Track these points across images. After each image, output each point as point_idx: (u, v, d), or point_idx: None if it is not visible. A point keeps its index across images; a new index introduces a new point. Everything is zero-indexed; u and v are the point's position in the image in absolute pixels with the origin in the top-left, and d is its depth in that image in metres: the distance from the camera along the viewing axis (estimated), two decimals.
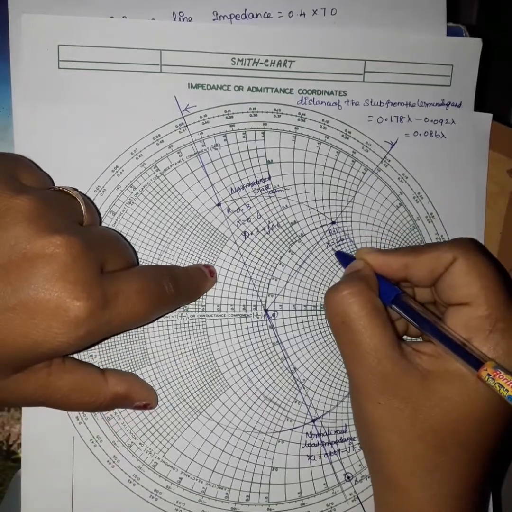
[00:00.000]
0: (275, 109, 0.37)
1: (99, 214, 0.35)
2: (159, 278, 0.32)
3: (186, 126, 0.36)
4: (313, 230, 0.37)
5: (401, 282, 0.34)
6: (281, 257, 0.37)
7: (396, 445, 0.30)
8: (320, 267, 0.37)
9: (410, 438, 0.30)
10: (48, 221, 0.27)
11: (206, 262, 0.36)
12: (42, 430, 0.34)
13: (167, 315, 0.35)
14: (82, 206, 0.30)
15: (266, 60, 0.36)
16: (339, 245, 0.38)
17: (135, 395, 0.33)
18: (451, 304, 0.31)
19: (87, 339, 0.28)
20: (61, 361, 0.31)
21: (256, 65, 0.36)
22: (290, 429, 0.36)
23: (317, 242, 0.37)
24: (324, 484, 0.36)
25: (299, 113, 0.37)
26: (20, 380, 0.29)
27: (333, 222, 0.38)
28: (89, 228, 0.30)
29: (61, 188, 0.31)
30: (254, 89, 0.37)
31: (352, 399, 0.32)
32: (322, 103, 0.37)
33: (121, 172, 0.35)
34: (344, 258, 0.36)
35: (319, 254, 0.37)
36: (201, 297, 0.36)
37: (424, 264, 0.32)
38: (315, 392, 0.36)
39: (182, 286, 0.33)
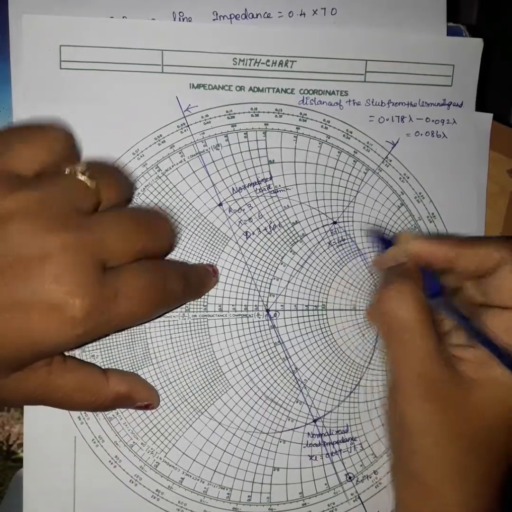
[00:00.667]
0: (276, 109, 0.37)
1: (127, 182, 0.32)
2: (164, 276, 0.30)
3: (188, 126, 0.36)
4: (314, 230, 0.37)
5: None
6: (282, 257, 0.37)
7: (432, 449, 0.30)
8: (321, 267, 0.37)
9: (445, 443, 0.30)
10: (46, 218, 0.26)
11: (208, 262, 0.36)
12: (43, 430, 0.34)
13: (168, 315, 0.35)
14: (89, 188, 0.28)
15: (268, 60, 0.36)
16: (341, 245, 0.38)
17: (137, 395, 0.33)
18: (493, 305, 0.31)
19: (85, 338, 0.27)
20: (62, 360, 0.30)
21: (258, 65, 0.36)
22: (291, 429, 0.36)
23: (319, 242, 0.37)
24: (326, 484, 0.36)
25: (301, 113, 0.37)
26: (20, 378, 0.29)
27: (335, 222, 0.38)
28: (96, 219, 0.28)
29: (69, 169, 0.28)
30: (255, 89, 0.37)
31: (390, 400, 0.32)
32: (323, 103, 0.37)
33: None
34: (381, 240, 0.35)
35: (321, 254, 0.37)
36: (203, 297, 0.36)
37: (471, 257, 0.32)
38: (316, 392, 0.36)
39: (191, 283, 0.33)
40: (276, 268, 0.37)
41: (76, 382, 0.30)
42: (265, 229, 0.37)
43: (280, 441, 0.36)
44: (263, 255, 0.37)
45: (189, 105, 0.36)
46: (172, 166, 0.36)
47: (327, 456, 0.36)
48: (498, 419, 0.30)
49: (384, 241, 0.35)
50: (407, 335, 0.30)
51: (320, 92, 0.37)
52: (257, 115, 0.37)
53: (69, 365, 0.31)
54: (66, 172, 0.28)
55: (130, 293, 0.28)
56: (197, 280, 0.35)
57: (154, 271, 0.30)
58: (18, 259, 0.25)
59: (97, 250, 0.27)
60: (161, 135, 0.36)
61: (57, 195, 0.27)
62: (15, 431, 0.36)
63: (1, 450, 0.36)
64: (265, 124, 0.37)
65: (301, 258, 0.37)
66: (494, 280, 0.31)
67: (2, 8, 0.34)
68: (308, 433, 0.36)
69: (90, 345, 0.35)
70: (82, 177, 0.28)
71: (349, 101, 0.37)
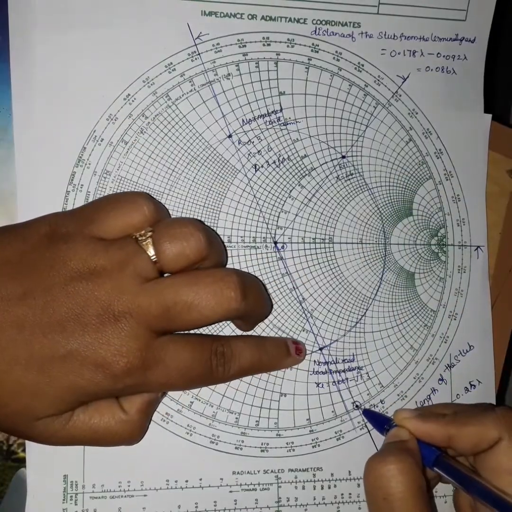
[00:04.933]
0: (288, 39, 0.37)
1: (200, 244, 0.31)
2: (208, 357, 0.31)
3: (199, 54, 0.36)
4: (323, 164, 0.38)
5: None
6: (290, 191, 0.37)
7: None
8: (329, 201, 0.38)
9: None
10: (109, 284, 0.29)
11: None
12: None
13: None
14: (149, 256, 0.30)
15: None
16: (349, 179, 0.38)
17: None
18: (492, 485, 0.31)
19: (123, 391, 0.30)
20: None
21: None
22: None
23: (327, 176, 0.38)
24: (333, 411, 0.37)
25: (313, 44, 0.37)
26: (63, 421, 0.30)
27: (343, 157, 0.38)
28: (153, 286, 0.29)
29: (135, 236, 0.30)
30: (267, 18, 0.36)
31: None
32: (336, 34, 0.37)
33: (133, 100, 0.35)
34: (374, 417, 0.36)
35: (329, 188, 0.38)
36: (212, 228, 0.36)
37: (468, 437, 0.31)
38: (322, 321, 0.37)
39: (241, 365, 0.33)
40: (284, 201, 0.37)
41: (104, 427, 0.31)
42: (274, 162, 0.37)
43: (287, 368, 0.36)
44: (272, 188, 0.37)
45: (200, 32, 0.36)
46: (182, 95, 0.36)
47: (334, 384, 0.37)
48: None
49: (377, 417, 0.36)
50: None
51: (333, 23, 0.37)
52: (268, 45, 0.36)
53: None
54: (133, 237, 0.30)
55: (170, 366, 0.30)
56: (252, 362, 0.34)
57: (199, 349, 0.31)
58: (77, 317, 0.29)
59: (148, 319, 0.29)
60: (171, 63, 0.36)
61: (122, 262, 0.29)
62: None
63: (1, 450, 0.35)
64: (276, 54, 0.37)
65: (309, 191, 0.37)
66: (491, 459, 0.31)
67: (2, 8, 0.34)
68: (315, 361, 0.37)
69: None
70: (144, 244, 0.30)
71: (362, 33, 0.37)
